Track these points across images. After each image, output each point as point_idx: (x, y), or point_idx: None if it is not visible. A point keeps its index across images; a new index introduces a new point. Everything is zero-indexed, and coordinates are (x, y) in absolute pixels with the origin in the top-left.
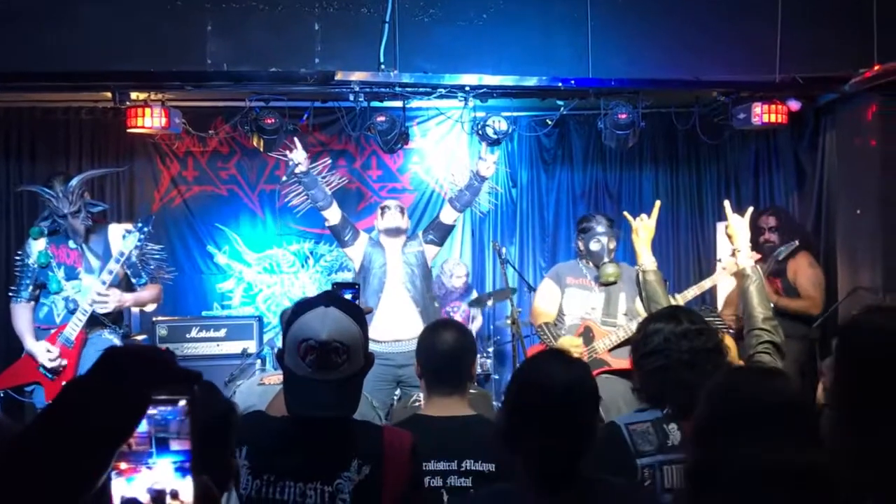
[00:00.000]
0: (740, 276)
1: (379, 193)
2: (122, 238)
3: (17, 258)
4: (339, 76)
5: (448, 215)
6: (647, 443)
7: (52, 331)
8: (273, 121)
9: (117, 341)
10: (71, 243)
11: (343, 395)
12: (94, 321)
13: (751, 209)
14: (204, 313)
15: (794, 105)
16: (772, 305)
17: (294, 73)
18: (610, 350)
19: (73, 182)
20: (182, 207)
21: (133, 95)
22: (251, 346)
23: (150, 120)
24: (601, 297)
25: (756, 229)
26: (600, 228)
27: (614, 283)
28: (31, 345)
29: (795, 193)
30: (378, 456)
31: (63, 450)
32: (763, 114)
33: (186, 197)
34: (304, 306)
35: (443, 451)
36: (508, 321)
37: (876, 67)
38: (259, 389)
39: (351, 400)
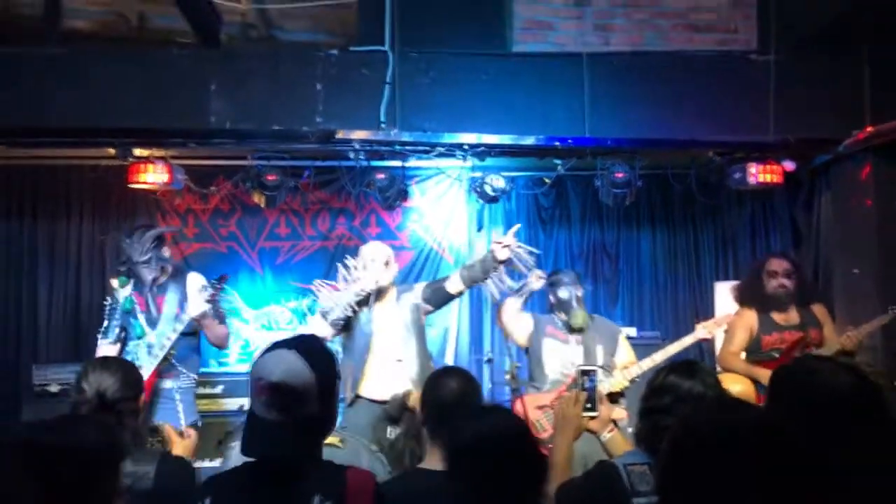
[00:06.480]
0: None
1: None
2: (198, 291)
3: (106, 303)
4: (340, 135)
5: (454, 285)
6: (644, 483)
7: None
8: (275, 177)
9: (177, 389)
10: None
11: (296, 436)
12: (165, 369)
13: None
14: (201, 370)
15: (789, 165)
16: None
17: (296, 132)
18: None
19: (147, 234)
20: (182, 265)
21: (136, 152)
22: (248, 402)
23: (152, 175)
24: (579, 350)
25: (768, 273)
26: (567, 279)
27: (583, 327)
28: None
29: (792, 253)
30: (341, 493)
31: None
32: (758, 173)
33: (187, 254)
34: (269, 347)
35: None
36: (508, 377)
37: (868, 128)
38: None
39: (306, 441)
